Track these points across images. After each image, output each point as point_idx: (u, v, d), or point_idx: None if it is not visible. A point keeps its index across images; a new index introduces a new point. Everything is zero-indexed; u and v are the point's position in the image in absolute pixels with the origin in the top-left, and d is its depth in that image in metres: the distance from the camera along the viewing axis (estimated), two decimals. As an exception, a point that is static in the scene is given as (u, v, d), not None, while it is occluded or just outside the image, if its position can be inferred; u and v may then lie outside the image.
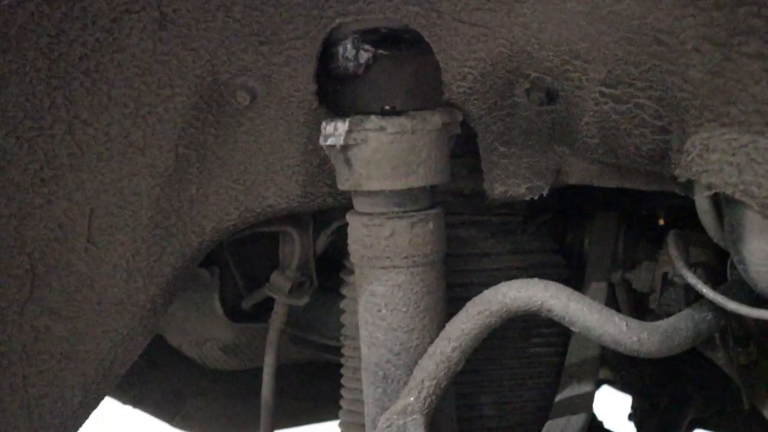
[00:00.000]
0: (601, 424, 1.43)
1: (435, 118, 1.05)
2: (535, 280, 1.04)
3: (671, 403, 1.43)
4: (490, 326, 1.04)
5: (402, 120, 1.05)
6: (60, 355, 1.20)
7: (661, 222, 1.34)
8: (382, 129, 1.05)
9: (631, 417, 1.54)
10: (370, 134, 1.05)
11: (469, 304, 1.05)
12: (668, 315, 1.07)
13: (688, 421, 1.45)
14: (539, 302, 1.02)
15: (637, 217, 1.28)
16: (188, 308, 1.38)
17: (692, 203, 1.02)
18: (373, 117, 1.05)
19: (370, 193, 1.07)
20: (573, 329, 1.04)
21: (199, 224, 1.18)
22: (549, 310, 1.02)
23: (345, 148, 1.06)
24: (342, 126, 1.06)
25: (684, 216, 1.14)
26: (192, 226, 1.18)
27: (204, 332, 1.42)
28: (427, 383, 1.03)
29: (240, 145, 1.15)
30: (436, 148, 1.06)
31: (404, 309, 1.07)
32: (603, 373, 1.50)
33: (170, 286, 1.21)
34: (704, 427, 1.52)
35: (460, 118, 1.07)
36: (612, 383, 1.62)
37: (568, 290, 1.03)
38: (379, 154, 1.05)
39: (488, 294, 1.05)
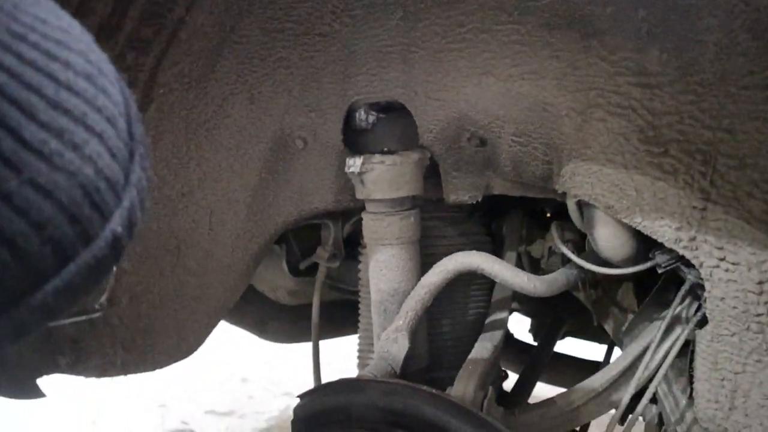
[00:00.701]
0: (512, 335, 1.45)
1: (414, 155, 1.06)
2: (474, 251, 1.06)
3: (553, 321, 1.42)
4: (448, 279, 1.06)
5: (394, 157, 1.06)
6: (194, 297, 1.20)
7: (548, 215, 1.35)
8: (382, 162, 1.05)
9: (530, 330, 1.55)
10: (375, 165, 1.06)
11: (436, 265, 1.06)
12: (551, 272, 1.09)
13: (563, 333, 1.45)
14: (476, 264, 1.04)
15: (533, 213, 1.28)
16: (268, 268, 1.37)
17: (566, 205, 1.03)
18: (377, 155, 1.06)
19: (375, 201, 1.08)
20: (496, 281, 1.05)
21: (273, 219, 1.18)
22: (482, 269, 1.04)
23: (360, 174, 1.06)
24: (358, 161, 1.06)
25: (561, 211, 1.15)
26: (269, 220, 1.18)
27: (277, 282, 1.41)
28: (410, 313, 1.04)
29: (298, 172, 1.16)
30: (415, 173, 1.07)
31: (396, 269, 1.08)
32: (514, 305, 1.50)
33: (258, 256, 1.21)
34: (572, 336, 1.52)
35: (429, 155, 1.07)
36: (519, 311, 1.62)
37: (493, 257, 1.05)
38: (381, 177, 1.06)
39: (446, 259, 1.06)
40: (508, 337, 1.34)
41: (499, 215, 1.26)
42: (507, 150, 1.01)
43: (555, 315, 1.41)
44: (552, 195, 1.05)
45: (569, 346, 1.52)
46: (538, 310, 1.47)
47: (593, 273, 1.06)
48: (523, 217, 1.24)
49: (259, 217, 1.18)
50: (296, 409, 0.96)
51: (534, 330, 1.51)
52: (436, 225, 1.15)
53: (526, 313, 1.53)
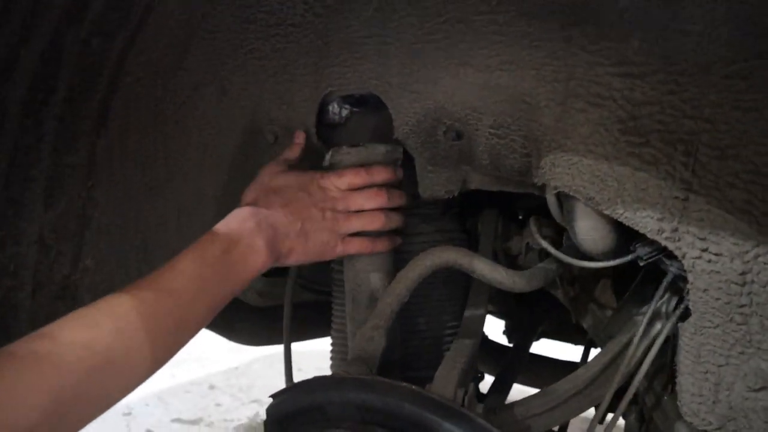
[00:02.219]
0: (487, 337, 1.43)
1: (380, 147, 1.03)
2: (451, 247, 1.03)
3: (528, 322, 1.40)
4: (425, 275, 1.03)
5: (360, 149, 1.03)
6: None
7: (520, 216, 1.33)
8: (348, 154, 1.03)
9: (504, 332, 1.53)
10: (342, 157, 1.03)
11: (412, 261, 1.03)
12: (527, 268, 1.06)
13: (538, 333, 1.43)
14: (454, 259, 1.01)
15: (508, 211, 1.26)
16: None
17: (542, 202, 1.00)
18: (344, 147, 1.03)
19: None
20: (475, 276, 1.02)
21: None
22: (459, 265, 1.01)
23: (331, 165, 1.04)
24: (328, 154, 1.04)
25: (534, 211, 1.13)
26: None
27: None
28: (387, 309, 1.01)
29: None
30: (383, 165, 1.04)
31: (370, 266, 1.05)
32: (490, 307, 1.48)
33: None
34: (547, 337, 1.51)
35: (401, 149, 1.04)
36: (493, 313, 1.60)
37: (471, 252, 1.02)
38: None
39: (423, 255, 1.03)
40: (483, 338, 1.31)
41: (474, 213, 1.24)
42: (484, 143, 0.98)
43: (530, 315, 1.38)
44: (530, 189, 1.02)
45: (545, 347, 1.50)
46: (513, 310, 1.45)
47: (571, 269, 1.04)
48: (499, 215, 1.21)
49: (228, 205, 1.10)
50: (269, 410, 0.91)
51: (509, 332, 1.49)
52: (411, 222, 1.12)
53: (501, 315, 1.51)
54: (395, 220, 1.05)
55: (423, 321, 1.14)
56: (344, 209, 0.99)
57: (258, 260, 0.89)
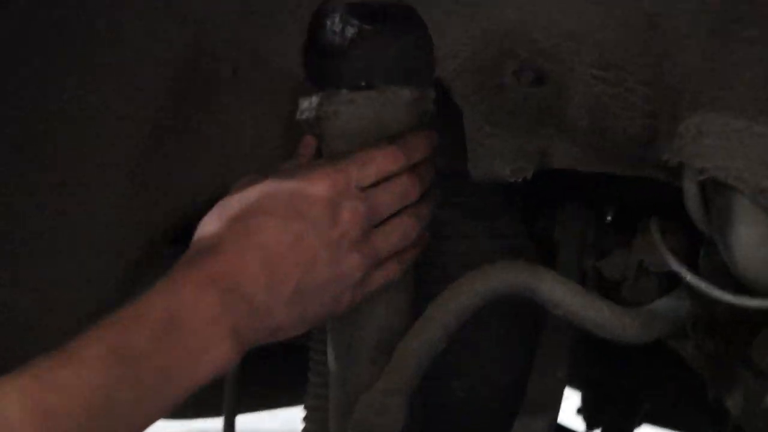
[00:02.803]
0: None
1: (406, 93, 1.03)
2: (521, 262, 1.02)
3: (625, 397, 1.40)
4: (475, 307, 1.01)
5: (372, 93, 1.03)
6: (24, 327, 1.18)
7: (609, 217, 1.31)
8: (351, 101, 1.03)
9: (580, 411, 1.51)
10: (341, 108, 1.03)
11: (454, 284, 1.02)
12: (639, 304, 1.05)
13: (640, 416, 1.41)
14: (525, 284, 1.00)
15: (607, 208, 1.26)
16: None
17: (670, 196, 0.99)
18: (344, 91, 1.03)
19: None
20: (556, 312, 1.01)
21: (175, 199, 1.16)
22: (534, 293, 1.00)
23: (317, 120, 1.04)
24: (315, 99, 1.04)
25: (651, 210, 1.11)
26: (168, 200, 1.17)
27: None
28: (410, 363, 1.00)
29: (220, 119, 1.13)
30: (406, 123, 1.04)
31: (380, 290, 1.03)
32: None
33: (140, 266, 1.18)
34: (655, 423, 1.49)
35: (433, 95, 1.05)
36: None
37: (553, 273, 1.01)
38: (350, 127, 1.03)
39: (474, 275, 1.02)
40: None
41: (550, 209, 1.24)
42: (582, 92, 0.98)
43: (629, 385, 1.38)
44: (652, 173, 1.01)
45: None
46: (599, 375, 1.44)
47: (713, 310, 1.02)
48: (590, 213, 1.21)
49: (150, 193, 1.17)
50: None
51: (588, 411, 1.49)
52: (451, 217, 1.12)
53: (577, 381, 1.50)
54: (425, 215, 1.05)
55: (461, 384, 1.14)
56: (369, 226, 0.99)
57: (215, 358, 0.88)
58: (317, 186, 0.96)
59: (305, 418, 1.18)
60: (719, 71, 0.91)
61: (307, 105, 1.05)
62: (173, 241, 1.26)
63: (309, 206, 0.95)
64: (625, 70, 0.96)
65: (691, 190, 0.95)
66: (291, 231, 0.94)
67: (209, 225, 0.96)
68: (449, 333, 1.01)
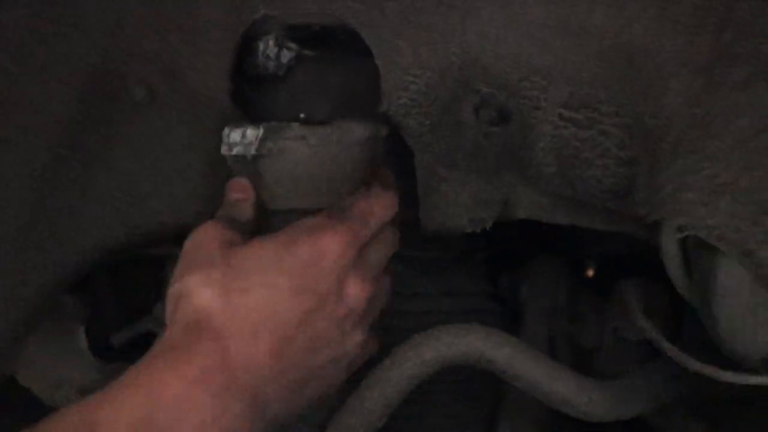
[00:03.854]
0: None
1: (361, 130, 1.03)
2: (475, 325, 1.04)
3: None
4: (420, 377, 1.03)
5: (326, 129, 1.03)
6: None
7: (590, 273, 1.35)
8: (302, 138, 1.02)
9: None
10: (288, 144, 1.02)
11: (396, 350, 1.04)
12: (614, 375, 1.08)
13: None
14: (479, 351, 1.02)
15: (576, 264, 1.29)
16: (45, 342, 1.33)
17: (648, 255, 1.02)
18: (294, 125, 1.02)
19: (287, 213, 1.04)
20: (516, 384, 1.03)
21: (76, 240, 1.15)
22: (489, 361, 1.02)
23: (256, 158, 1.03)
24: (253, 133, 1.02)
25: (628, 269, 1.16)
26: (69, 241, 1.15)
27: (62, 371, 1.37)
28: None
29: (132, 150, 1.12)
30: (361, 163, 1.04)
31: None
32: None
33: (33, 313, 1.17)
34: None
35: (385, 132, 1.05)
36: None
37: (513, 339, 1.03)
38: (298, 169, 1.02)
39: (420, 339, 1.03)
40: None
41: (516, 263, 1.27)
42: (550, 135, 1.00)
43: None
44: (627, 227, 1.04)
45: None
46: None
47: (699, 386, 1.05)
48: (562, 270, 1.24)
49: (47, 234, 1.15)
50: None
51: None
52: (399, 272, 1.11)
53: None
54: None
55: None
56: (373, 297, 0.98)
57: None
58: (330, 254, 0.94)
59: None
60: (705, 117, 0.92)
61: (239, 138, 1.03)
62: (74, 289, 1.27)
63: (320, 279, 0.93)
64: (599, 111, 0.97)
65: (670, 249, 0.98)
66: (302, 309, 0.92)
67: (196, 290, 0.92)
68: (390, 407, 1.02)
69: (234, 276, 0.92)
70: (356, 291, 0.95)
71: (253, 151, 1.02)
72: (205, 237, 0.97)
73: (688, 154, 0.94)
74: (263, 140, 1.02)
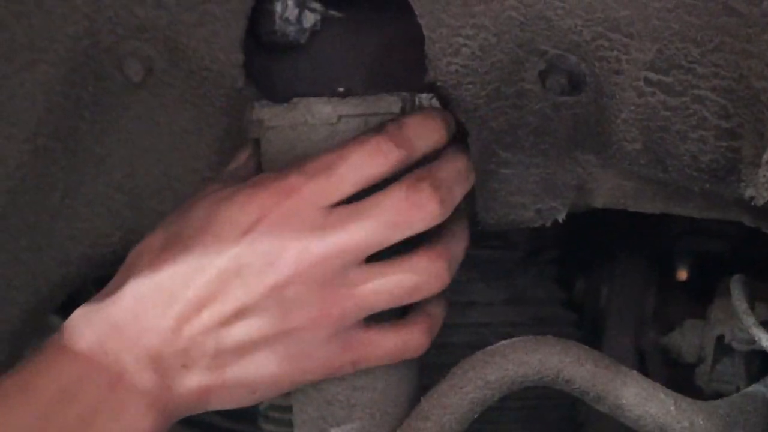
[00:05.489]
0: None
1: (396, 102, 1.05)
2: (550, 338, 1.04)
3: None
4: (484, 403, 1.03)
5: (357, 101, 1.05)
6: None
7: (683, 275, 1.34)
8: (333, 115, 1.04)
9: None
10: (316, 123, 1.04)
11: (454, 371, 1.04)
12: (719, 394, 1.08)
13: None
14: (555, 369, 1.02)
15: (668, 264, 1.30)
16: None
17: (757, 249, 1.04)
18: (315, 101, 1.05)
19: None
20: (600, 408, 1.03)
21: (62, 249, 1.18)
22: (568, 381, 1.02)
23: (265, 143, 1.06)
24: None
25: (734, 265, 1.15)
26: (52, 251, 1.18)
27: None
28: None
29: (126, 138, 1.14)
30: None
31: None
32: None
33: (15, 337, 1.20)
34: None
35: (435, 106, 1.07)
36: None
37: (596, 353, 1.03)
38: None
39: (482, 356, 1.04)
40: None
41: (594, 265, 1.27)
42: (634, 103, 1.01)
43: None
44: (730, 214, 1.05)
45: None
46: None
47: None
48: (652, 269, 1.24)
49: (27, 243, 1.18)
50: None
51: None
52: (455, 278, 1.10)
53: None
54: (458, 254, 1.06)
55: None
56: (342, 266, 0.99)
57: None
58: (242, 219, 0.98)
59: None
60: None
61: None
62: (62, 309, 1.29)
63: (232, 250, 0.98)
64: (693, 72, 0.97)
65: None
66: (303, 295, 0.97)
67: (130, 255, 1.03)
68: (458, 429, 1.02)
69: (164, 239, 1.01)
70: (295, 254, 0.97)
71: (258, 129, 1.06)
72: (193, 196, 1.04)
73: None
74: (289, 113, 1.04)
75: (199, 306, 0.96)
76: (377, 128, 1.00)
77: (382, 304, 1.00)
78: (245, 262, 0.96)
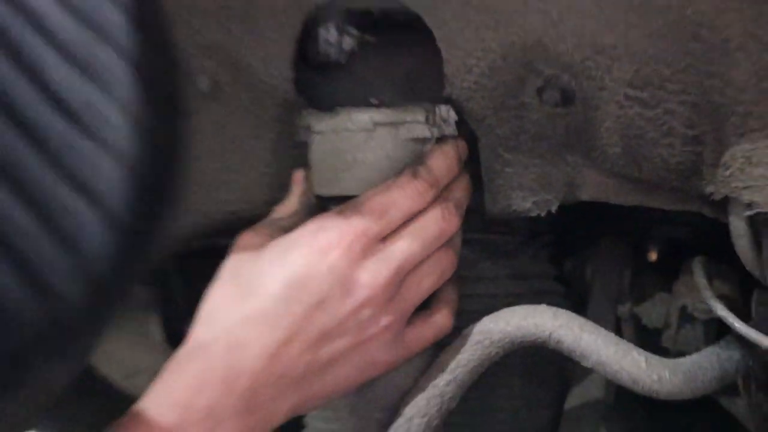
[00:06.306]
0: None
1: (418, 112, 1.04)
2: (543, 306, 1.04)
3: None
4: (490, 358, 1.03)
5: (388, 112, 1.04)
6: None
7: (653, 256, 1.33)
8: (368, 123, 1.04)
9: None
10: (352, 129, 1.04)
11: (466, 332, 1.04)
12: (682, 354, 1.06)
13: None
14: (547, 332, 1.01)
15: (638, 248, 1.28)
16: (121, 333, 1.36)
17: (716, 233, 1.02)
18: (348, 110, 1.05)
19: (329, 200, 1.07)
20: (584, 363, 1.02)
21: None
22: (558, 342, 1.01)
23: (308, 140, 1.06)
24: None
25: (696, 248, 1.14)
26: None
27: (137, 361, 1.39)
28: (416, 421, 1.01)
29: (198, 140, 1.13)
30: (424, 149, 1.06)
31: None
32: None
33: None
34: None
35: (455, 116, 1.06)
36: None
37: (581, 319, 1.03)
38: (365, 155, 1.04)
39: (489, 321, 1.03)
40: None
41: (581, 247, 1.26)
42: (615, 115, 1.00)
43: None
44: (694, 206, 1.04)
45: None
46: None
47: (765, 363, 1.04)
48: (629, 250, 1.23)
49: None
50: None
51: None
52: (465, 257, 1.13)
53: None
54: (458, 243, 1.08)
55: None
56: (398, 283, 1.01)
57: None
58: (329, 254, 0.98)
59: None
60: None
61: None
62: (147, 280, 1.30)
63: (320, 280, 0.97)
64: (664, 89, 0.96)
65: (739, 227, 0.98)
66: (297, 312, 0.96)
67: (204, 306, 1.00)
68: (461, 387, 1.02)
69: (238, 288, 0.98)
70: (368, 279, 0.98)
71: (305, 136, 1.05)
72: (236, 247, 1.03)
73: (757, 130, 0.93)
74: (328, 121, 1.04)
75: (288, 340, 0.95)
76: (413, 172, 1.02)
77: (429, 286, 1.03)
78: (326, 296, 0.96)
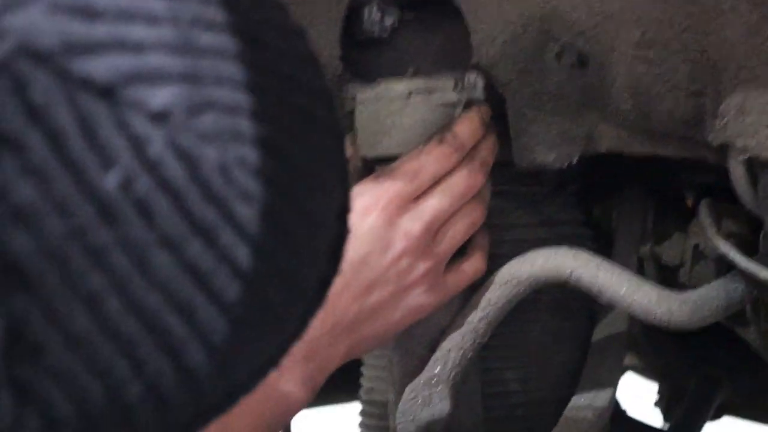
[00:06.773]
0: (624, 412, 1.40)
1: (449, 81, 1.06)
2: (564, 248, 1.04)
3: (698, 387, 1.37)
4: (518, 296, 1.04)
5: (419, 81, 1.06)
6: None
7: (689, 203, 1.32)
8: (400, 92, 1.06)
9: (657, 403, 1.51)
10: (389, 99, 1.06)
11: (496, 274, 1.05)
12: (697, 287, 1.06)
13: (716, 407, 1.40)
14: (568, 271, 1.01)
15: (664, 196, 1.25)
16: None
17: (721, 178, 1.01)
18: (388, 81, 1.06)
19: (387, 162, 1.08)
20: (601, 300, 1.03)
21: None
22: (577, 280, 1.01)
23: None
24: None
25: (706, 192, 1.13)
26: None
27: None
28: (453, 354, 1.02)
29: None
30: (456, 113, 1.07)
31: None
32: (629, 359, 1.46)
33: None
34: (735, 414, 1.47)
35: (483, 81, 1.07)
36: (637, 369, 1.58)
37: (598, 258, 1.02)
38: (399, 120, 1.06)
39: (516, 263, 1.04)
40: (617, 413, 1.30)
41: (607, 195, 1.24)
42: (625, 73, 1.00)
43: (702, 374, 1.36)
44: (700, 153, 1.02)
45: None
46: (673, 365, 1.44)
47: None
48: (649, 198, 1.21)
49: None
50: None
51: (664, 402, 1.49)
52: (498, 206, 1.13)
53: (650, 372, 1.51)
54: (487, 196, 1.09)
55: (513, 374, 1.14)
56: (431, 236, 1.03)
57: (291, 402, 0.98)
58: (367, 217, 1.01)
59: (361, 412, 1.21)
60: (762, 46, 0.91)
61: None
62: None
63: (361, 240, 1.00)
64: (667, 49, 0.97)
65: (737, 170, 0.97)
66: (342, 273, 0.99)
67: None
68: (492, 323, 1.03)
69: None
70: (404, 233, 1.01)
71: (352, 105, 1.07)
72: None
73: (748, 82, 0.93)
74: (369, 92, 1.07)
75: (339, 294, 0.98)
76: (440, 139, 1.03)
77: (461, 235, 1.05)
78: (368, 251, 1.00)
